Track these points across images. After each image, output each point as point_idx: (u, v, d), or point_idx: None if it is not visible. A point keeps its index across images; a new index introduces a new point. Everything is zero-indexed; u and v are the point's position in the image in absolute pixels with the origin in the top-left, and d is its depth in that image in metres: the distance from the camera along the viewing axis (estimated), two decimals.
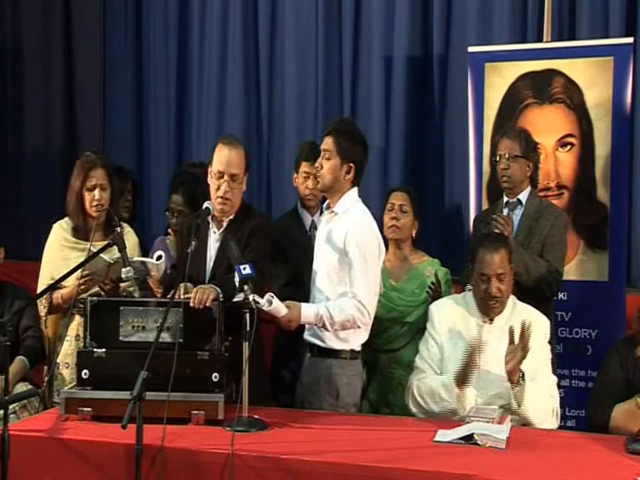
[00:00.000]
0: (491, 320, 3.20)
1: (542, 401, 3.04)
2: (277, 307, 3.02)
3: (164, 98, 5.58)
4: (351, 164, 3.33)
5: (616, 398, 3.02)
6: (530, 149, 3.82)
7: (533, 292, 3.54)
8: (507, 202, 3.83)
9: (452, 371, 3.13)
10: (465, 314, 3.25)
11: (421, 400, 3.15)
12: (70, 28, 5.79)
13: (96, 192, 3.60)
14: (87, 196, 3.61)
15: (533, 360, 3.04)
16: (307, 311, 3.18)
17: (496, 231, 3.51)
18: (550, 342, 3.60)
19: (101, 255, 3.37)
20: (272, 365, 3.91)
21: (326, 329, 3.23)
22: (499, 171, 3.79)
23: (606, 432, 2.95)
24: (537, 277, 3.59)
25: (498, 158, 3.78)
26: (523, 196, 3.79)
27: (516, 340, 2.95)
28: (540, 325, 3.18)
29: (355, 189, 3.39)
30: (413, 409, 3.19)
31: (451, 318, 3.26)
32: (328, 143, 3.34)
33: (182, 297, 3.04)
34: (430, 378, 3.18)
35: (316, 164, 3.39)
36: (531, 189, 3.82)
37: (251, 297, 2.82)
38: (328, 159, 3.33)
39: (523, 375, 2.97)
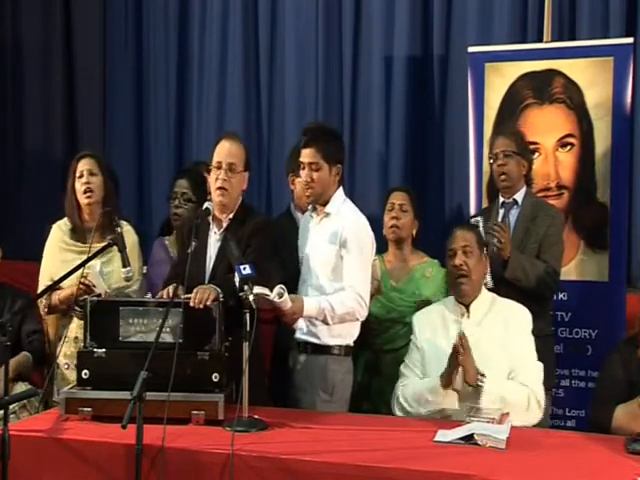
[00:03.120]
0: (467, 309, 3.23)
1: (510, 393, 3.04)
2: (286, 300, 3.06)
3: (164, 98, 5.58)
4: (338, 165, 3.36)
5: (618, 399, 3.01)
6: (524, 148, 3.82)
7: (532, 294, 3.54)
8: (503, 202, 3.83)
9: (434, 371, 3.14)
10: (443, 313, 3.30)
11: (407, 405, 3.17)
12: (70, 28, 5.79)
13: (84, 177, 3.63)
14: (77, 186, 3.63)
15: (514, 352, 3.11)
16: (310, 304, 3.21)
17: (494, 241, 3.51)
18: (548, 338, 3.62)
19: (101, 283, 3.40)
20: (272, 368, 3.90)
21: (326, 322, 3.26)
22: (496, 169, 3.79)
23: (608, 433, 2.94)
24: (536, 279, 3.59)
25: (495, 157, 3.78)
26: (519, 196, 3.79)
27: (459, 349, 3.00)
28: (521, 317, 3.24)
29: (341, 189, 3.43)
30: (399, 414, 3.20)
31: (430, 322, 3.31)
32: (311, 155, 3.32)
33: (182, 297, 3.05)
34: (414, 382, 3.21)
35: (304, 178, 3.37)
36: (527, 189, 3.82)
37: (251, 297, 2.83)
38: (317, 170, 3.32)
39: (482, 375, 3.01)
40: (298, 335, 3.40)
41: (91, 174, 3.64)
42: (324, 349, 3.34)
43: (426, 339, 3.27)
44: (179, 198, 4.08)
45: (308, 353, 3.38)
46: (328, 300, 3.24)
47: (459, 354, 3.01)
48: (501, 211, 3.81)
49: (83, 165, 3.66)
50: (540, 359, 3.19)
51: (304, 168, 3.35)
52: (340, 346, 3.35)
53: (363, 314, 3.31)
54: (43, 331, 3.84)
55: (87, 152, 3.77)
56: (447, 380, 3.05)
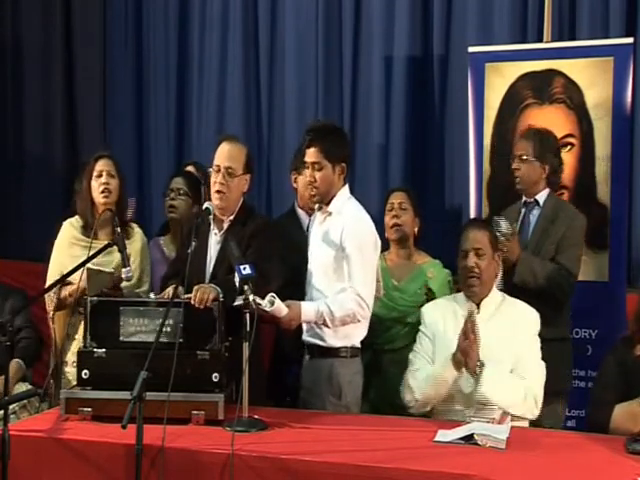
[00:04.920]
0: (478, 306, 3.25)
1: (508, 383, 3.07)
2: (278, 307, 3.03)
3: (164, 98, 5.58)
4: (343, 164, 3.34)
5: (615, 399, 3.01)
6: (545, 151, 3.80)
7: (545, 297, 3.53)
8: (525, 202, 3.85)
9: (445, 357, 3.16)
10: (453, 308, 3.31)
11: (416, 386, 3.16)
12: (70, 28, 5.79)
13: (103, 177, 3.66)
14: (94, 185, 3.66)
15: (518, 351, 3.13)
16: (307, 309, 3.19)
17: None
18: (564, 342, 3.65)
19: (99, 268, 3.39)
20: (272, 368, 3.90)
21: (327, 326, 3.24)
22: (513, 171, 3.83)
23: (605, 433, 2.94)
24: (545, 281, 3.60)
25: (513, 158, 3.82)
26: (541, 197, 3.80)
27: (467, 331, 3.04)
28: (529, 318, 3.25)
29: (346, 187, 3.41)
30: (409, 399, 3.20)
31: (441, 314, 3.32)
32: (314, 155, 3.31)
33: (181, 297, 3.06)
34: (426, 367, 3.22)
35: (308, 178, 3.37)
36: (549, 191, 3.82)
37: (251, 297, 2.82)
38: (319, 170, 3.31)
39: (482, 364, 3.03)
40: (304, 337, 3.38)
41: (110, 175, 3.68)
42: (330, 351, 3.32)
43: (437, 329, 3.27)
44: (175, 192, 4.13)
45: (315, 356, 3.36)
46: (327, 303, 3.22)
47: (467, 338, 3.03)
48: (523, 210, 3.84)
49: (102, 166, 3.69)
50: (556, 363, 3.21)
51: (308, 167, 3.35)
52: (347, 348, 3.32)
53: (364, 315, 3.28)
54: (33, 327, 3.86)
55: (105, 153, 3.79)
56: (459, 360, 3.07)
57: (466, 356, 3.03)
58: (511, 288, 3.49)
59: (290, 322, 3.15)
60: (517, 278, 3.57)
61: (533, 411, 3.10)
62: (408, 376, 3.24)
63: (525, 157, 3.77)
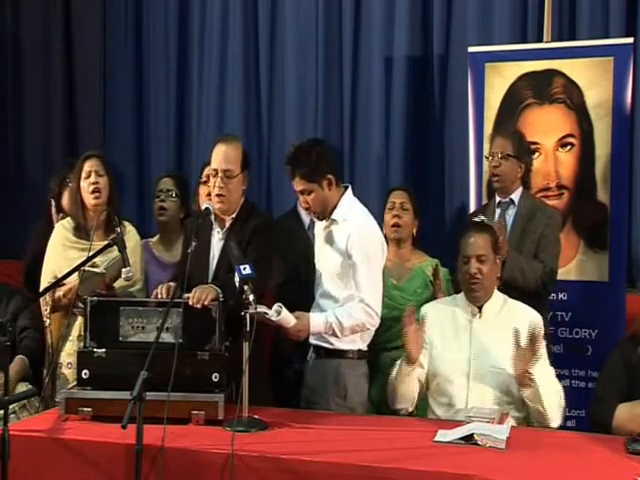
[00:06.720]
0: (479, 309, 3.23)
1: (553, 397, 3.06)
2: (286, 317, 3.03)
3: (164, 98, 5.57)
4: (328, 176, 3.30)
5: (619, 397, 3.01)
6: (523, 151, 3.83)
7: (530, 294, 3.54)
8: (499, 202, 3.84)
9: (442, 368, 3.16)
10: (454, 311, 3.29)
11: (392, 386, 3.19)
12: (70, 28, 5.78)
13: (92, 177, 3.65)
14: (84, 185, 3.65)
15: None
16: (316, 321, 3.19)
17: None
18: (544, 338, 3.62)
19: (91, 269, 3.39)
20: (271, 368, 3.90)
21: (336, 336, 3.24)
22: (491, 169, 3.83)
23: (608, 432, 2.94)
24: (533, 280, 3.61)
25: (491, 156, 3.81)
26: (515, 196, 3.81)
27: (523, 343, 2.96)
28: (532, 320, 3.20)
29: (348, 191, 3.39)
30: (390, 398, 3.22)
31: (440, 317, 3.29)
32: (299, 183, 3.31)
33: (164, 296, 3.12)
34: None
35: (304, 205, 3.38)
36: (523, 189, 3.83)
37: (251, 297, 2.82)
38: (309, 194, 3.30)
39: (533, 379, 2.98)
40: (311, 340, 3.36)
41: (98, 175, 3.67)
42: (337, 352, 3.31)
43: (436, 333, 3.25)
44: (164, 193, 4.15)
45: (321, 356, 3.35)
46: (335, 314, 3.21)
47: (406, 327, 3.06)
48: (498, 210, 3.83)
49: (90, 166, 3.69)
50: None
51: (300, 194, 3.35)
52: (353, 350, 3.33)
53: (373, 323, 3.28)
54: (37, 328, 3.85)
55: (93, 152, 3.79)
56: (410, 357, 3.10)
57: (518, 370, 2.99)
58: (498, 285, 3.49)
59: (298, 333, 3.16)
60: (506, 274, 3.56)
61: (559, 419, 3.09)
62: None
63: (505, 154, 3.77)
